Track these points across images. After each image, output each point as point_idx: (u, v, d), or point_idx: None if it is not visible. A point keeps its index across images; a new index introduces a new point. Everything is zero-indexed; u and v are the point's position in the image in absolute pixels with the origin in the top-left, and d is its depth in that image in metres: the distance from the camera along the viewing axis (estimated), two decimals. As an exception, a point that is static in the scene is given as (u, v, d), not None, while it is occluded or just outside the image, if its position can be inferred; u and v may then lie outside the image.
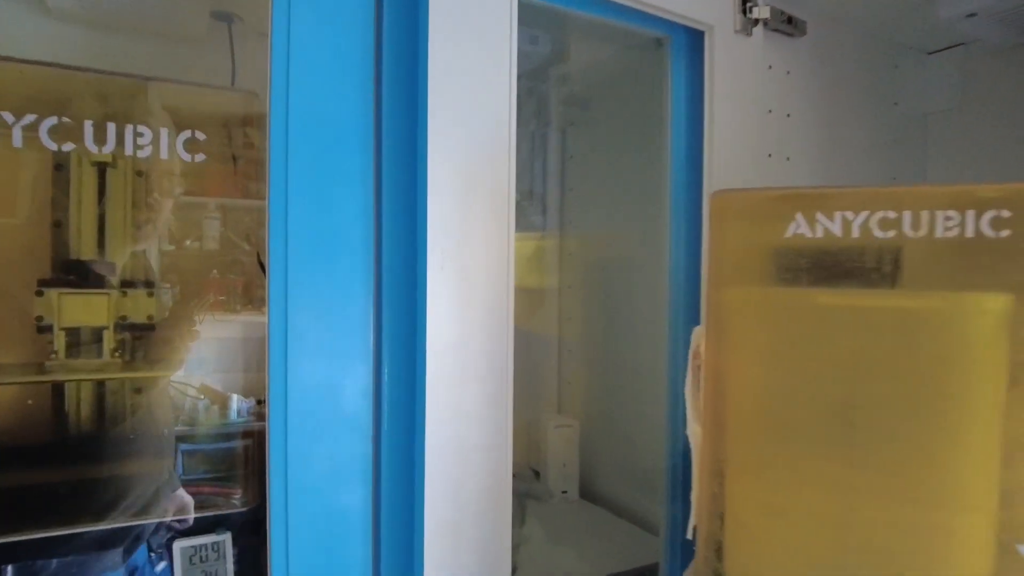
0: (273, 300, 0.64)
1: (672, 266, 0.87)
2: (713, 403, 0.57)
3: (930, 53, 1.10)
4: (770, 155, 0.91)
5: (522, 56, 1.11)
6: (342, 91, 0.66)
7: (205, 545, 0.69)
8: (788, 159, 0.93)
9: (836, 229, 0.52)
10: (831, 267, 0.52)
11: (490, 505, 0.69)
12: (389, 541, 0.69)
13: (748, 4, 0.87)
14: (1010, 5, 0.86)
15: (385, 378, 0.68)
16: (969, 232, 0.49)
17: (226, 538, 0.70)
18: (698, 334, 0.57)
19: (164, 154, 0.67)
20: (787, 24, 0.92)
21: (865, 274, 0.52)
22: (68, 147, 0.71)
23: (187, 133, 0.68)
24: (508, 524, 0.70)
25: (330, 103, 0.65)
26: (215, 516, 0.71)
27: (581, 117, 1.21)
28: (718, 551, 0.57)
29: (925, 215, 0.50)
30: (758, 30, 0.88)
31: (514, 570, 0.86)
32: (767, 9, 0.88)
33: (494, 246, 0.68)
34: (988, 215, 0.48)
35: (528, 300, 1.23)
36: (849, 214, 0.51)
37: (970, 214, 0.49)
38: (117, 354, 0.77)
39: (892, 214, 0.50)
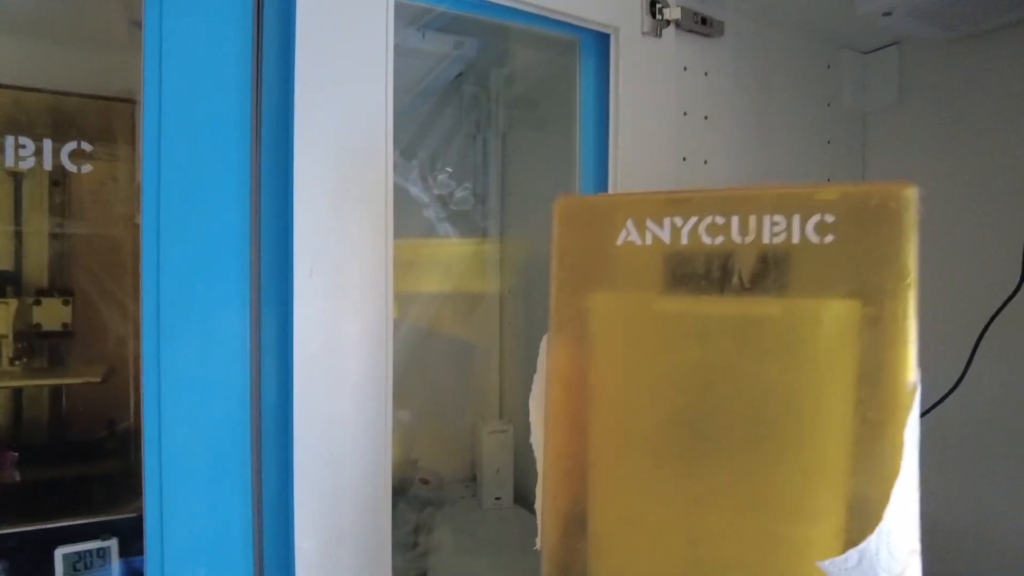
0: (147, 310, 0.64)
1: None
2: (569, 411, 0.56)
3: (866, 52, 1.07)
4: (685, 158, 0.90)
5: (453, 61, 1.11)
6: (220, 88, 0.66)
7: (90, 551, 0.70)
8: (705, 162, 0.92)
9: (665, 236, 0.51)
10: (670, 273, 0.51)
11: (369, 512, 0.69)
12: (272, 548, 0.69)
13: (658, 5, 0.85)
14: (926, 0, 0.83)
15: (265, 383, 0.68)
16: (795, 238, 0.48)
17: (112, 544, 0.71)
18: (545, 342, 0.56)
19: (48, 165, 0.68)
20: (702, 25, 0.91)
21: (699, 281, 0.50)
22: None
23: (72, 144, 0.69)
24: (387, 531, 0.69)
25: (206, 101, 0.65)
26: (100, 522, 0.71)
27: (519, 120, 1.20)
28: (573, 563, 0.56)
29: (752, 220, 0.49)
30: (669, 31, 0.87)
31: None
32: (678, 10, 0.86)
33: (369, 250, 0.68)
34: (813, 220, 0.47)
35: (470, 306, 1.23)
36: (678, 220, 0.50)
37: (796, 219, 0.48)
38: (17, 362, 0.78)
39: (720, 219, 0.49)
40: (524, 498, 1.13)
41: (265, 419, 0.69)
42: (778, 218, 0.48)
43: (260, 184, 0.68)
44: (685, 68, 0.91)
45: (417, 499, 0.94)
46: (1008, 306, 0.82)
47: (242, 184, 0.67)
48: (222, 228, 0.66)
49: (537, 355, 1.12)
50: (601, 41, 0.86)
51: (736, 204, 0.49)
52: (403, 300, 1.12)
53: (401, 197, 1.17)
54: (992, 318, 0.83)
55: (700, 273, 0.50)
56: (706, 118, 0.92)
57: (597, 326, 0.54)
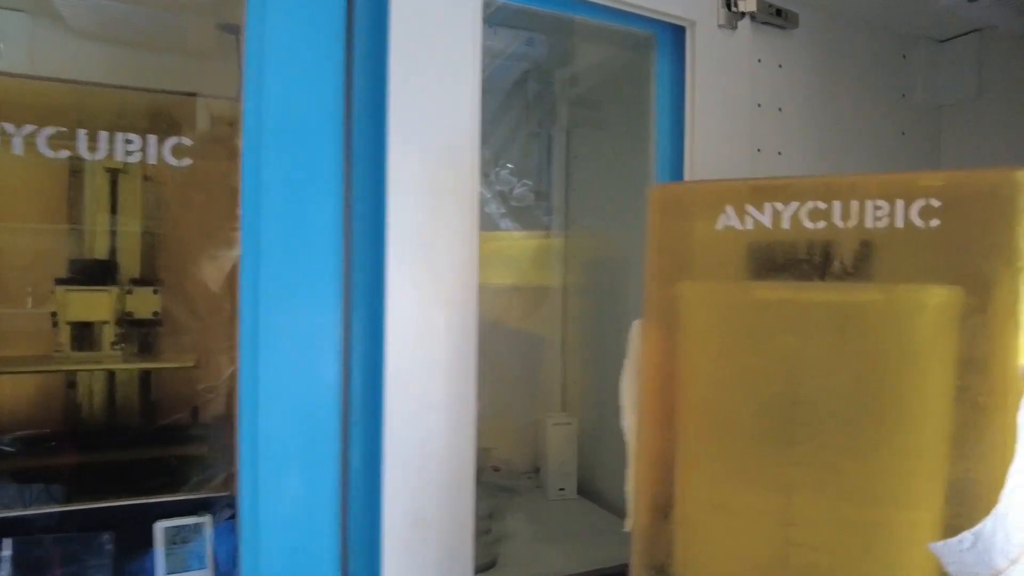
0: (245, 303, 0.67)
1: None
2: (658, 397, 0.57)
3: (942, 41, 1.05)
4: (759, 150, 0.90)
5: (520, 58, 1.13)
6: (315, 92, 0.69)
7: (187, 526, 0.73)
8: (780, 154, 0.92)
9: (766, 221, 0.51)
10: (766, 260, 0.52)
11: (453, 496, 0.71)
12: (356, 527, 0.71)
13: (733, -2, 0.86)
14: (1013, -11, 0.82)
15: (354, 372, 0.71)
16: (899, 222, 0.48)
17: (206, 520, 0.74)
18: (636, 329, 0.57)
19: (152, 159, 0.71)
20: (777, 16, 0.91)
21: (799, 266, 0.51)
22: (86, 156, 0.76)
23: (174, 139, 0.73)
24: (471, 513, 0.71)
25: (303, 104, 0.68)
26: (196, 498, 0.75)
27: (585, 118, 1.21)
28: (658, 545, 0.57)
29: (855, 205, 0.49)
30: (744, 24, 0.87)
31: (494, 563, 0.88)
32: (753, 2, 0.86)
33: (458, 244, 0.70)
34: (917, 204, 0.47)
35: (532, 299, 1.24)
36: (779, 205, 0.51)
37: (899, 204, 0.48)
38: (118, 347, 0.82)
39: (822, 204, 0.50)
40: (588, 489, 1.14)
41: (353, 405, 0.71)
42: (881, 203, 0.48)
43: (352, 181, 0.70)
44: (759, 60, 0.91)
45: (489, 486, 0.96)
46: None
47: (335, 181, 0.69)
48: (317, 222, 0.69)
49: (605, 349, 1.13)
50: (676, 34, 0.87)
51: (838, 189, 0.49)
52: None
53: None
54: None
55: (800, 259, 0.50)
56: (780, 110, 0.92)
57: (692, 313, 0.55)
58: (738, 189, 0.52)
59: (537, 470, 1.19)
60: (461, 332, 0.70)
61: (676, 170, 0.85)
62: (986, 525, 0.42)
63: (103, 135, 0.70)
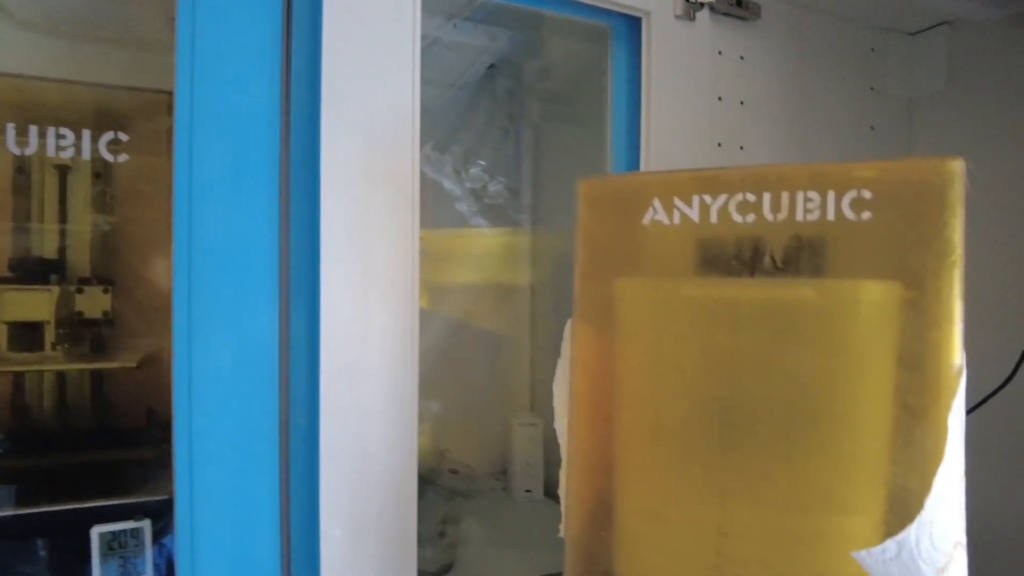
0: (178, 301, 0.65)
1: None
2: (593, 399, 0.55)
3: (912, 34, 1.03)
4: (720, 144, 0.87)
5: (481, 52, 1.11)
6: (250, 80, 0.67)
7: (125, 531, 0.71)
8: (742, 148, 0.89)
9: (694, 215, 0.49)
10: (696, 256, 0.50)
11: (395, 501, 0.69)
12: (299, 533, 0.69)
13: (691, -12, 0.84)
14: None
15: (294, 371, 0.69)
16: (830, 215, 0.46)
17: (145, 525, 0.72)
18: (569, 328, 0.55)
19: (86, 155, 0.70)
20: (737, 7, 0.88)
21: (729, 263, 0.49)
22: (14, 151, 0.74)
23: (109, 135, 0.71)
24: (413, 520, 0.69)
25: (237, 94, 0.66)
26: (135, 503, 0.73)
27: (551, 113, 1.19)
28: (597, 554, 0.55)
29: (785, 197, 0.47)
30: (703, 15, 0.85)
31: (450, 567, 0.86)
32: (712, -8, 0.84)
33: (396, 238, 0.68)
34: (849, 196, 0.45)
35: (500, 299, 1.22)
36: (707, 198, 0.49)
37: (831, 196, 0.45)
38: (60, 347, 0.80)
39: (751, 197, 0.47)
40: (555, 491, 1.12)
41: (294, 407, 0.69)
42: (812, 195, 0.46)
43: (290, 176, 0.68)
44: (720, 52, 0.88)
45: (445, 489, 0.94)
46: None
47: (271, 175, 0.68)
48: (252, 219, 0.67)
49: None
50: (633, 26, 0.85)
51: (768, 181, 0.47)
52: (434, 293, 1.12)
53: (435, 191, 1.18)
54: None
55: (730, 254, 0.48)
56: (742, 103, 0.90)
57: (622, 311, 0.52)
58: (664, 182, 0.50)
59: (505, 471, 1.17)
60: (401, 331, 0.68)
61: (632, 166, 0.83)
62: (910, 533, 0.40)
63: (33, 129, 0.68)
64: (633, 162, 0.83)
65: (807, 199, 0.46)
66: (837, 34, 0.99)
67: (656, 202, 0.49)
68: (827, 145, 0.97)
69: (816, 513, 0.47)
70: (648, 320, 0.52)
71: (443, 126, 1.20)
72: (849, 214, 0.45)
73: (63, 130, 0.70)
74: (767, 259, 0.47)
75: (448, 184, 1.24)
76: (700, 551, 0.50)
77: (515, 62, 1.17)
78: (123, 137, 0.72)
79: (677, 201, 0.49)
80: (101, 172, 0.89)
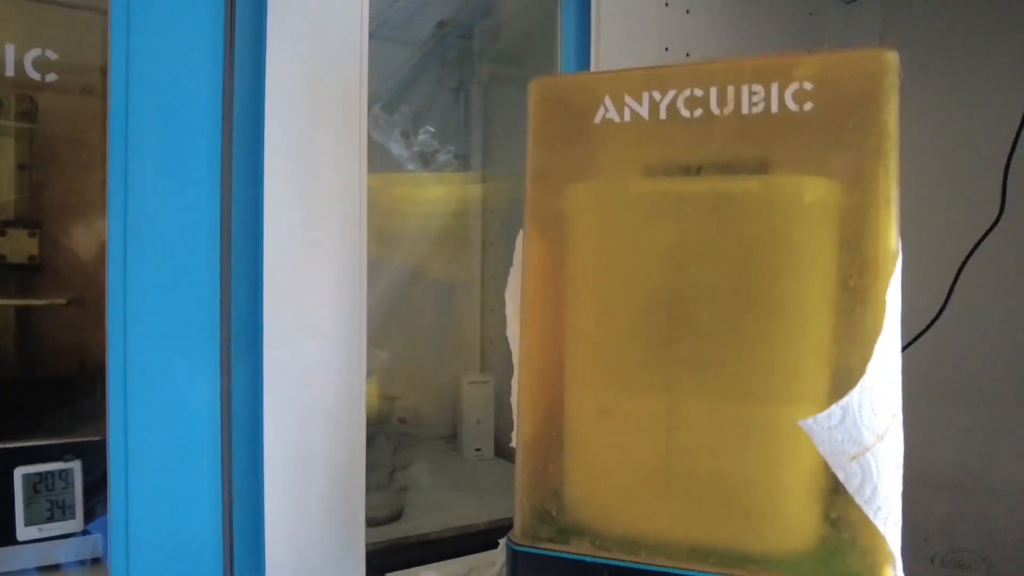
0: (113, 233, 0.62)
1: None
2: (544, 303, 0.55)
3: (849, 2, 1.07)
4: (667, 49, 0.89)
5: (438, 4, 1.10)
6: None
7: (51, 472, 0.68)
8: (688, 55, 0.91)
9: (643, 112, 0.49)
10: (644, 153, 0.50)
11: (342, 430, 0.67)
12: (239, 466, 0.67)
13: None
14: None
15: (232, 298, 0.66)
16: (774, 107, 0.47)
17: (75, 466, 0.69)
18: (521, 237, 0.55)
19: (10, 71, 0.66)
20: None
21: (676, 159, 0.49)
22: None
23: (36, 51, 0.67)
24: (361, 448, 0.68)
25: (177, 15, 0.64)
26: (64, 444, 0.69)
27: (501, 73, 1.19)
28: (537, 452, 0.54)
29: (731, 91, 0.48)
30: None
31: (400, 513, 0.84)
32: (661, -57, 0.86)
33: (343, 155, 0.66)
34: (791, 88, 0.46)
35: (451, 255, 1.21)
36: (656, 94, 0.49)
37: (774, 88, 0.47)
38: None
39: (699, 92, 0.48)
40: (506, 451, 1.11)
41: (236, 341, 0.67)
42: (756, 87, 0.47)
43: (233, 104, 0.66)
44: (667, 4, 0.90)
45: (394, 437, 0.93)
46: (987, 239, 0.82)
47: (213, 106, 0.65)
48: (192, 153, 0.65)
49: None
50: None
51: (714, 75, 0.48)
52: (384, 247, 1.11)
53: (383, 156, 1.17)
54: (972, 251, 0.83)
55: (678, 150, 0.49)
56: (687, 56, 0.92)
57: (574, 212, 0.53)
58: (615, 80, 0.50)
59: (454, 434, 1.16)
60: (349, 247, 0.67)
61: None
62: (852, 398, 0.41)
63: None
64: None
65: (752, 92, 0.47)
66: (776, -5, 1.02)
67: (607, 100, 0.50)
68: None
69: (763, 401, 0.48)
70: (598, 219, 0.52)
71: (390, 87, 1.19)
72: (792, 106, 0.46)
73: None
74: (714, 153, 0.48)
75: (396, 148, 1.23)
76: (649, 444, 0.50)
77: (464, 21, 1.17)
78: (51, 55, 0.68)
79: (628, 98, 0.50)
80: (28, 110, 0.85)
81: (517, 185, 1.17)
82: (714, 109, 0.48)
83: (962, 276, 0.81)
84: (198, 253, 0.65)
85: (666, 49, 0.90)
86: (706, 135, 0.48)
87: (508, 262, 1.16)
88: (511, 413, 1.13)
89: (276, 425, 0.64)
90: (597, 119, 0.50)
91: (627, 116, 0.50)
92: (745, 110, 0.47)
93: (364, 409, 0.68)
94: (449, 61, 1.22)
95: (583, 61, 0.85)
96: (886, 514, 0.42)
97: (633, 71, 0.50)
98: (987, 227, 0.81)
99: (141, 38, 0.62)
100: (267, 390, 0.63)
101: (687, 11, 0.93)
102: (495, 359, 1.19)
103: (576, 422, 0.53)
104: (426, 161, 1.24)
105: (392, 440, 0.93)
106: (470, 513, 0.85)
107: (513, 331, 0.56)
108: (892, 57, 0.44)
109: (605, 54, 0.83)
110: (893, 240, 0.44)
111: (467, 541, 0.81)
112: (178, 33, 0.64)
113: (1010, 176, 0.82)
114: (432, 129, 1.22)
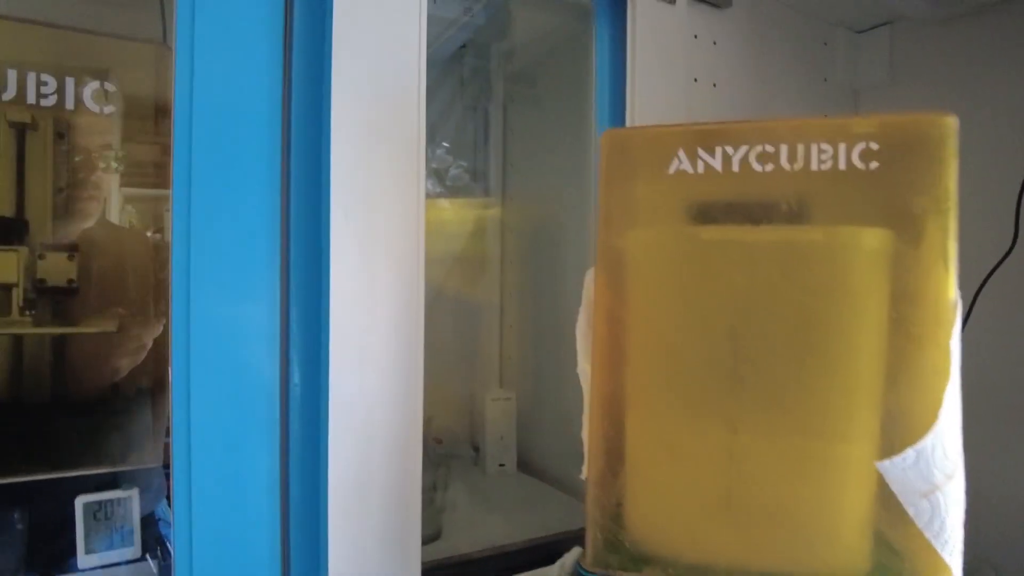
0: (176, 259, 0.63)
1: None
2: (608, 342, 0.57)
3: (860, 32, 1.12)
4: (696, 80, 0.92)
5: (455, 26, 1.12)
6: (250, 32, 0.65)
7: (111, 501, 0.68)
8: (714, 127, 0.95)
9: (716, 164, 0.52)
10: (716, 203, 0.53)
11: (399, 458, 0.69)
12: (298, 496, 0.68)
13: (670, -28, 0.88)
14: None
15: (293, 330, 0.68)
16: (842, 164, 0.50)
17: (133, 493, 0.69)
18: (590, 277, 0.58)
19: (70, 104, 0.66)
20: (710, -6, 0.94)
21: (748, 209, 0.52)
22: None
23: (95, 84, 0.68)
24: (418, 474, 0.70)
25: (237, 44, 0.65)
26: (121, 472, 0.70)
27: (522, 93, 1.21)
28: (608, 485, 0.57)
29: (801, 148, 0.51)
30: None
31: (439, 534, 0.86)
32: (689, -23, 0.89)
33: (402, 195, 0.68)
34: (858, 147, 0.50)
35: (470, 274, 1.24)
36: (729, 148, 0.52)
37: (842, 147, 0.50)
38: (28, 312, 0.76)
39: (770, 148, 0.51)
40: (528, 464, 1.14)
41: (292, 369, 0.68)
42: (825, 146, 0.50)
43: (290, 132, 0.68)
44: (696, 36, 0.93)
45: (432, 457, 0.94)
46: (1002, 266, 0.86)
47: (273, 134, 0.67)
48: (251, 173, 0.66)
49: (543, 324, 1.13)
50: (615, 6, 0.88)
51: (785, 133, 0.51)
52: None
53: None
54: (987, 277, 0.87)
55: (749, 201, 0.52)
56: (714, 85, 0.95)
57: (643, 255, 0.55)
58: (690, 132, 0.53)
59: (476, 447, 1.18)
60: (407, 286, 0.69)
61: None
62: (927, 441, 0.44)
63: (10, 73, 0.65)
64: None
65: (820, 150, 0.50)
66: (794, 26, 1.06)
67: (681, 152, 0.53)
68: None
69: (818, 439, 0.51)
70: (667, 265, 0.55)
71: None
72: (858, 163, 0.49)
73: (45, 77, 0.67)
74: (783, 205, 0.51)
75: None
76: (713, 476, 0.54)
77: (488, 39, 1.18)
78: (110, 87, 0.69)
79: (701, 151, 0.52)
80: (64, 132, 0.85)
81: (534, 205, 1.20)
82: (784, 164, 0.51)
83: (978, 302, 0.86)
84: (258, 290, 0.66)
85: (695, 80, 0.94)
86: (776, 188, 0.51)
87: (525, 280, 1.19)
88: (532, 429, 1.15)
89: (339, 455, 0.66)
90: (671, 169, 0.53)
91: (700, 168, 0.53)
92: (814, 166, 0.50)
93: (420, 436, 0.70)
94: (468, 81, 1.23)
95: (618, 91, 0.88)
96: (952, 547, 0.46)
97: (707, 125, 0.53)
98: (1002, 254, 0.86)
99: (203, 66, 0.63)
100: (332, 423, 0.65)
101: (714, 43, 0.96)
102: (512, 373, 1.22)
103: (643, 456, 0.56)
104: (440, 176, 1.26)
105: (432, 461, 0.95)
106: (503, 531, 0.87)
107: (584, 368, 0.58)
108: (953, 122, 0.48)
109: (639, 85, 0.86)
110: (952, 292, 0.48)
111: (506, 560, 0.83)
112: (238, 58, 0.65)
113: (1023, 203, 0.86)
114: (446, 145, 1.24)
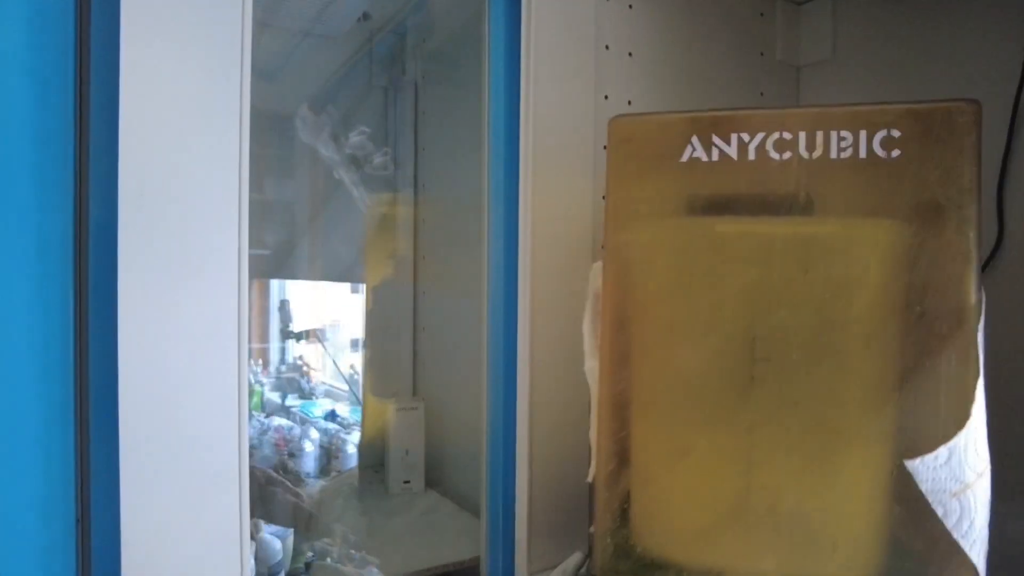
0: None
1: (491, 224, 0.77)
2: (614, 338, 0.51)
3: (800, 4, 1.05)
4: (607, 97, 0.85)
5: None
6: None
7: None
8: (630, 103, 0.88)
9: (732, 152, 0.47)
10: (731, 194, 0.48)
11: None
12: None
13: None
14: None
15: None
16: (862, 153, 0.47)
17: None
18: (596, 270, 0.51)
19: None
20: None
21: (764, 200, 0.48)
22: None
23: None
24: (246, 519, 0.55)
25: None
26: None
27: (433, 72, 1.10)
28: (618, 488, 0.51)
29: (820, 136, 0.47)
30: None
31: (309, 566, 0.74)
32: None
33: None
34: (879, 135, 0.47)
35: (384, 273, 1.11)
36: (745, 136, 0.47)
37: (863, 135, 0.47)
38: None
39: (788, 135, 0.47)
40: (438, 482, 1.03)
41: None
42: (845, 133, 0.47)
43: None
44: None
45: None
46: (990, 263, 0.79)
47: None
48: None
49: (458, 327, 1.02)
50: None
51: (804, 120, 0.47)
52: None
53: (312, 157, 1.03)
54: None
55: (766, 192, 0.47)
56: (630, 55, 0.88)
57: (653, 248, 0.50)
58: (704, 119, 0.48)
59: (383, 463, 1.06)
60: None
61: (512, 118, 0.76)
62: (959, 439, 0.43)
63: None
64: (513, 115, 0.76)
65: (841, 137, 0.47)
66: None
67: (695, 139, 0.47)
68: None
69: (837, 440, 0.49)
70: (681, 258, 0.50)
71: (316, 84, 1.05)
72: (880, 152, 0.46)
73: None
74: (801, 196, 0.47)
75: (324, 150, 1.09)
76: (730, 480, 0.50)
77: (393, 17, 1.05)
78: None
79: (716, 138, 0.47)
80: None
81: (451, 195, 1.08)
82: (803, 153, 0.47)
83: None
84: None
85: (607, 47, 0.85)
86: (794, 177, 0.47)
87: (442, 275, 1.07)
88: (444, 442, 1.04)
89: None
90: (684, 158, 0.47)
91: (715, 156, 0.47)
92: (833, 155, 0.47)
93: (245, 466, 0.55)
94: (378, 60, 1.10)
95: (513, 61, 0.78)
96: (980, 548, 0.45)
97: (722, 112, 0.47)
98: (988, 252, 0.79)
99: None
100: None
101: (629, 6, 0.88)
102: (427, 382, 1.11)
103: (655, 459, 0.51)
104: (358, 164, 1.12)
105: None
106: (391, 563, 0.76)
107: (591, 367, 0.51)
108: (978, 109, 0.46)
109: (537, 50, 0.76)
110: (974, 288, 0.46)
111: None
112: None
113: (1005, 198, 0.79)
114: (367, 130, 1.10)
